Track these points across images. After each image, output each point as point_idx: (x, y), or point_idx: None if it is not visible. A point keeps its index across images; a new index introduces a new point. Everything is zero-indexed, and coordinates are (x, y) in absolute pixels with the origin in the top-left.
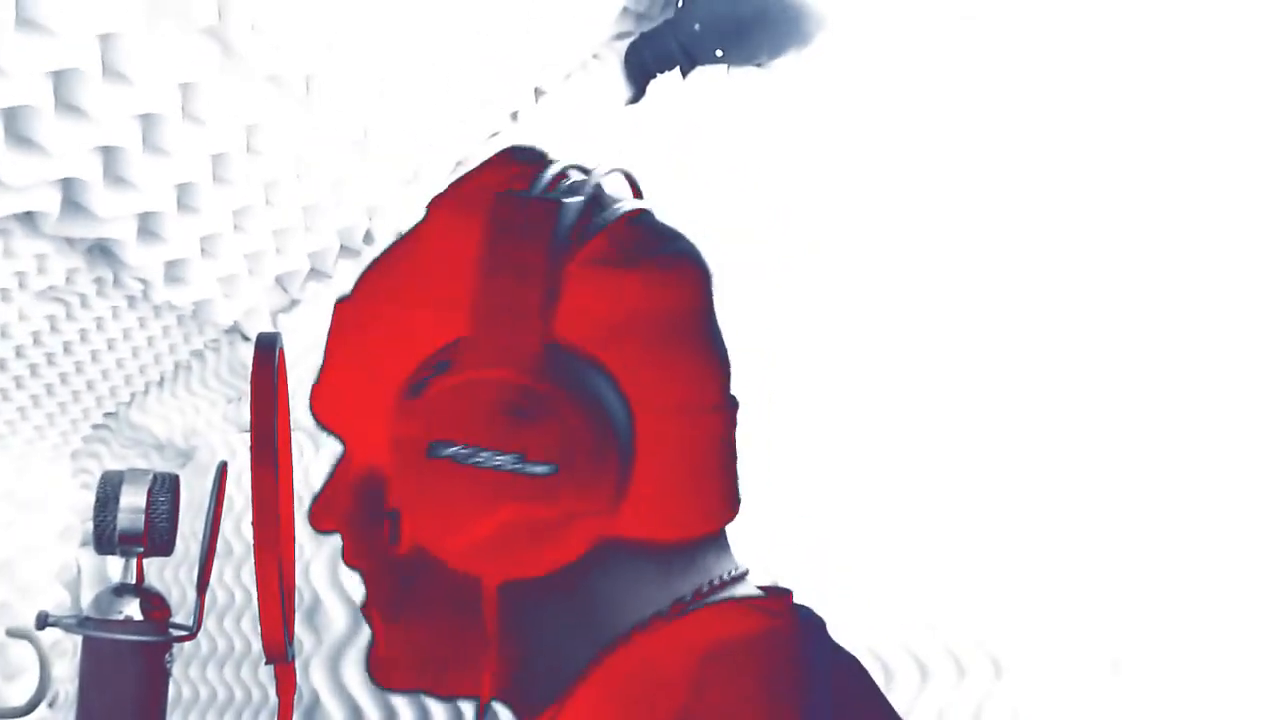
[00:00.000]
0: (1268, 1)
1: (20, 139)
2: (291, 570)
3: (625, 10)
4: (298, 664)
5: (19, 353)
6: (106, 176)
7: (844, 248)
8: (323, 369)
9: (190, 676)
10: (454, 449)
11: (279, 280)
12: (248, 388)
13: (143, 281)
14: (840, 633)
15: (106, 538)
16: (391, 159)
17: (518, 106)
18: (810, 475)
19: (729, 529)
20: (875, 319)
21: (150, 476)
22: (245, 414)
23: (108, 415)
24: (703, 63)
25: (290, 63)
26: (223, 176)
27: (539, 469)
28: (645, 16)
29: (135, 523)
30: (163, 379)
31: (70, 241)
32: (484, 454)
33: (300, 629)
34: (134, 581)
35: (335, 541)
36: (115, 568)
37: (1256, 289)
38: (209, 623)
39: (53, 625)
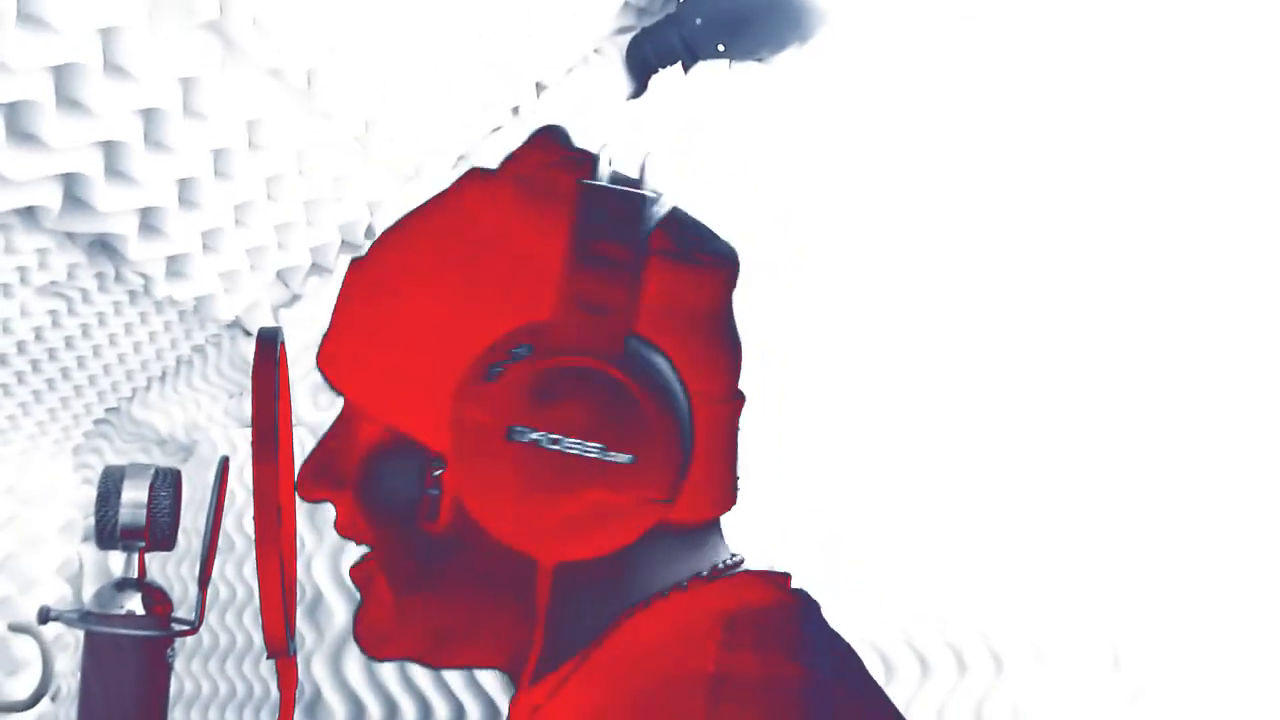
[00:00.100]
0: (1268, 1)
1: (22, 134)
2: (293, 565)
3: (627, 5)
4: (299, 658)
5: (21, 348)
6: (108, 171)
7: (847, 243)
8: (335, 327)
9: (192, 671)
10: (538, 434)
11: (280, 275)
12: (249, 383)
13: (144, 276)
14: (844, 625)
15: (108, 533)
16: (393, 154)
17: (519, 101)
18: (815, 470)
19: (732, 523)
20: (884, 314)
21: (152, 471)
22: (247, 409)
23: (109, 410)
24: (704, 58)
25: (292, 58)
26: (224, 171)
27: (621, 458)
28: (647, 11)
29: (137, 518)
30: (164, 374)
31: (71, 236)
32: (569, 442)
33: (302, 623)
34: (136, 576)
35: (337, 537)
36: (117, 563)
37: (1256, 288)
38: (210, 617)
39: (55, 620)
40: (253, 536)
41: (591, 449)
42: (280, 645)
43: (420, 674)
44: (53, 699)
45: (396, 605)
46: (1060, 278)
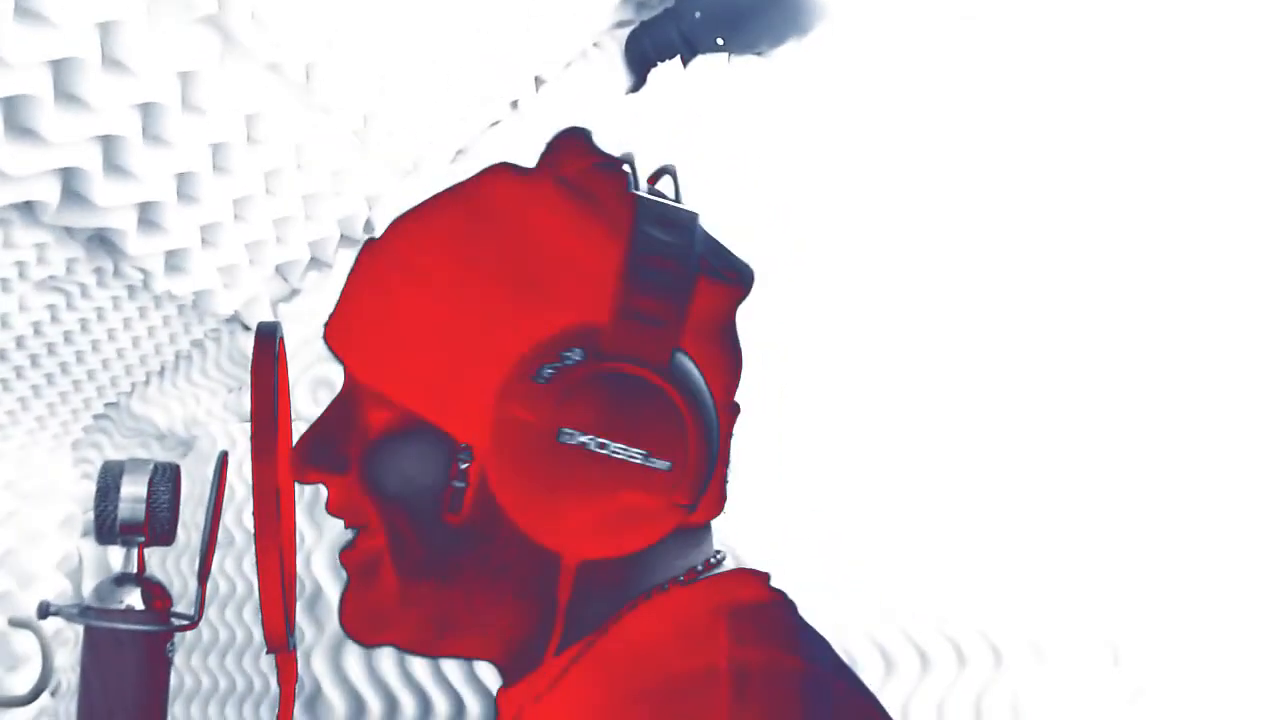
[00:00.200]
0: (1268, 1)
1: (20, 129)
2: (292, 560)
3: None
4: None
5: (19, 343)
6: (106, 166)
7: (846, 239)
8: (346, 305)
9: (191, 666)
10: (587, 438)
11: (279, 270)
12: (248, 377)
13: (143, 271)
14: (844, 622)
15: (108, 527)
16: (392, 148)
17: (518, 95)
18: (815, 469)
19: (734, 522)
20: (884, 312)
21: (151, 466)
22: (246, 403)
23: (108, 405)
24: (703, 51)
25: (290, 52)
26: (223, 166)
27: (660, 464)
28: (645, 4)
29: (136, 512)
30: (163, 369)
31: (70, 231)
32: (615, 446)
33: (301, 618)
34: (135, 571)
35: (337, 531)
36: (117, 557)
37: (1256, 288)
38: (210, 612)
39: (55, 615)
40: (252, 531)
41: (635, 455)
42: (280, 640)
43: (420, 669)
44: (52, 694)
45: (400, 591)
46: (1060, 277)
